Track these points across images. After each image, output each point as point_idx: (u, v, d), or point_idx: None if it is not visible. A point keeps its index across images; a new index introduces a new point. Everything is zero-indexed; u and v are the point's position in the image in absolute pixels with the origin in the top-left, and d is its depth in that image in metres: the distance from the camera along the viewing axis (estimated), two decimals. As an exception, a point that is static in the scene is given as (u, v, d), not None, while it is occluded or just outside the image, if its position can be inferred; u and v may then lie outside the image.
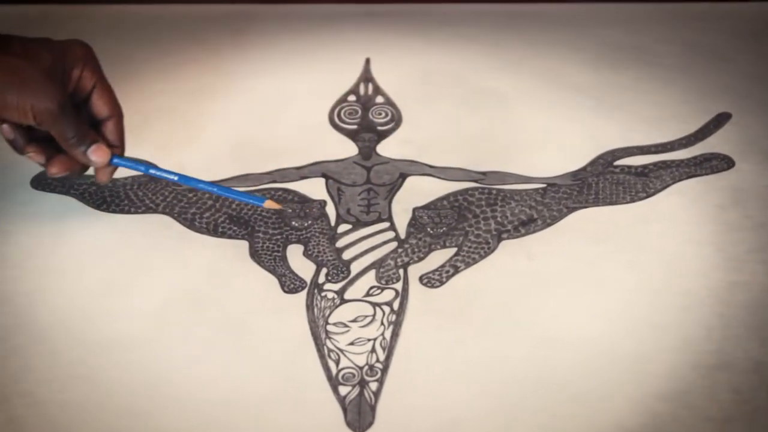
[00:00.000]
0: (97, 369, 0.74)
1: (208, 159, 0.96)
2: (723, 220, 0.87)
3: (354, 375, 0.73)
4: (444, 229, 0.86)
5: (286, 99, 1.06)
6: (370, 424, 0.70)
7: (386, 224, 0.87)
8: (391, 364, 0.74)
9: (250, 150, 0.97)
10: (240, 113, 1.03)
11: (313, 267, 0.83)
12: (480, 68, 1.10)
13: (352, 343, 0.76)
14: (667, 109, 1.03)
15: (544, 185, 0.91)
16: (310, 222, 0.87)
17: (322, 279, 0.82)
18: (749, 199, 0.89)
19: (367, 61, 1.11)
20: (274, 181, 0.93)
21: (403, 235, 0.86)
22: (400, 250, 0.85)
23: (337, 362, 0.74)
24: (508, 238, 0.86)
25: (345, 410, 0.71)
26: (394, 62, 1.11)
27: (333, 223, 0.88)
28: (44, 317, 0.78)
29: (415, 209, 0.88)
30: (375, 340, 0.76)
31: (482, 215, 0.88)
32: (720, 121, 1.00)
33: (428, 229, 0.86)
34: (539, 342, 0.75)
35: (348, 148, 0.98)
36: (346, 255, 0.84)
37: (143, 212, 0.89)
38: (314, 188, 0.92)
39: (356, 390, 0.72)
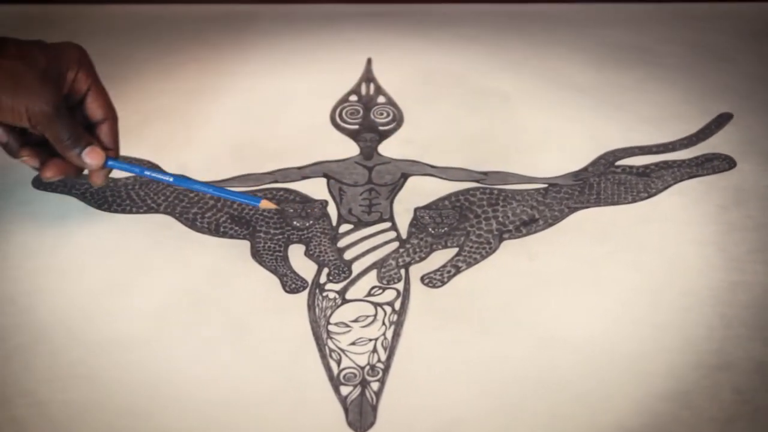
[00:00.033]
0: (98, 369, 0.74)
1: (209, 159, 0.95)
2: (724, 220, 0.87)
3: (355, 375, 0.73)
4: (445, 229, 0.86)
5: (286, 99, 1.06)
6: (372, 424, 0.70)
7: (388, 224, 0.87)
8: (392, 364, 0.74)
9: (250, 150, 0.97)
10: (240, 113, 1.03)
11: (314, 267, 0.83)
12: (481, 68, 1.10)
13: (353, 343, 0.76)
14: (668, 109, 1.03)
15: (546, 185, 0.91)
16: (311, 222, 0.87)
17: (323, 279, 0.81)
18: (751, 200, 0.89)
19: (369, 61, 1.11)
20: (276, 181, 0.92)
21: (404, 235, 0.86)
22: (401, 250, 0.84)
23: (339, 362, 0.74)
24: (509, 238, 0.86)
25: (346, 410, 0.71)
26: (394, 62, 1.11)
27: (334, 223, 0.88)
28: (45, 317, 0.78)
29: (416, 209, 0.88)
30: (376, 340, 0.76)
31: (484, 215, 0.88)
32: (721, 121, 1.00)
33: (430, 229, 0.86)
34: (540, 342, 0.75)
35: (349, 148, 0.98)
36: (348, 255, 0.84)
37: (145, 212, 0.89)
38: (316, 188, 0.92)
39: (358, 390, 0.72)
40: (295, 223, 0.87)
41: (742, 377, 0.73)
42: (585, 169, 0.94)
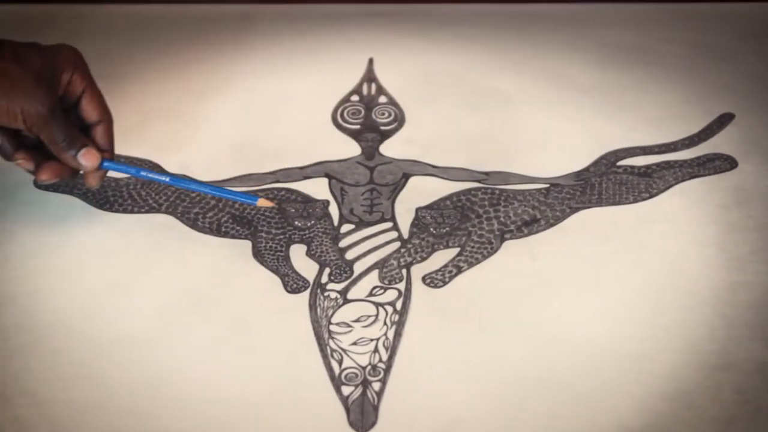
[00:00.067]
0: (99, 369, 0.74)
1: (209, 159, 0.95)
2: (726, 220, 0.87)
3: (357, 375, 0.73)
4: (447, 229, 0.86)
5: (286, 99, 1.06)
6: (373, 424, 0.70)
7: (389, 224, 0.87)
8: (393, 364, 0.74)
9: (251, 150, 0.97)
10: (241, 113, 1.03)
11: (316, 267, 0.83)
12: (482, 68, 1.10)
13: (354, 343, 0.76)
14: (669, 109, 1.03)
15: (547, 185, 0.91)
16: (313, 222, 0.87)
17: (325, 279, 0.81)
18: (752, 200, 0.89)
19: (371, 61, 1.11)
20: (278, 181, 0.92)
21: (406, 235, 0.86)
22: (403, 250, 0.84)
23: (340, 362, 0.74)
24: (511, 238, 0.86)
25: (348, 410, 0.71)
26: (395, 62, 1.11)
27: (336, 222, 0.87)
28: (46, 317, 0.78)
29: (418, 209, 0.88)
30: (378, 340, 0.76)
31: (485, 215, 0.88)
32: (723, 121, 1.00)
33: (431, 229, 0.86)
34: (542, 342, 0.75)
35: (351, 148, 0.98)
36: (349, 255, 0.84)
37: (146, 212, 0.89)
38: (317, 188, 0.92)
39: (359, 390, 0.72)
40: (296, 223, 0.87)
41: (743, 377, 0.73)
42: (586, 169, 0.94)
